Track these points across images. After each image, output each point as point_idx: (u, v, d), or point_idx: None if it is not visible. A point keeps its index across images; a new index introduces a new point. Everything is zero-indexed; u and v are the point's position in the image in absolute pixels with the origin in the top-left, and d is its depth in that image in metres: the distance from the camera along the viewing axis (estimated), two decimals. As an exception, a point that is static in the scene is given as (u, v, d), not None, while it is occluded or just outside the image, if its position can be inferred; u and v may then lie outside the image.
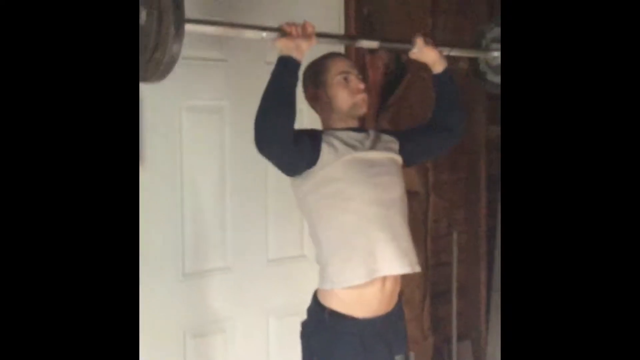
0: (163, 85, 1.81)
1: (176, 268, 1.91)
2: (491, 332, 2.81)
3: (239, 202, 2.04)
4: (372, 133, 1.70)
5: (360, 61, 2.30)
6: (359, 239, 1.56)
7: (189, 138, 1.92)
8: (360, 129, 1.68)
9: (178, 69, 1.87)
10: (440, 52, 1.75)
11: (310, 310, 1.66)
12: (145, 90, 1.63)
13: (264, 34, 1.51)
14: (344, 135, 1.63)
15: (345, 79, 1.64)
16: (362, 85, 1.65)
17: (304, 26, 1.52)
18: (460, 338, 2.74)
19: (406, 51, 1.74)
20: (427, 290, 2.59)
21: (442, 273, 2.72)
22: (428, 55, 1.74)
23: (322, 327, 1.60)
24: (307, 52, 1.55)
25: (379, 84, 2.35)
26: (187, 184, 1.92)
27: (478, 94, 2.71)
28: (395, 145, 1.72)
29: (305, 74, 1.70)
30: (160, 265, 1.86)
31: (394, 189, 1.64)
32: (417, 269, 1.64)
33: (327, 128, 1.68)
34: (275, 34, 1.50)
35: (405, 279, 2.60)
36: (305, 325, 1.65)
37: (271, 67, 2.04)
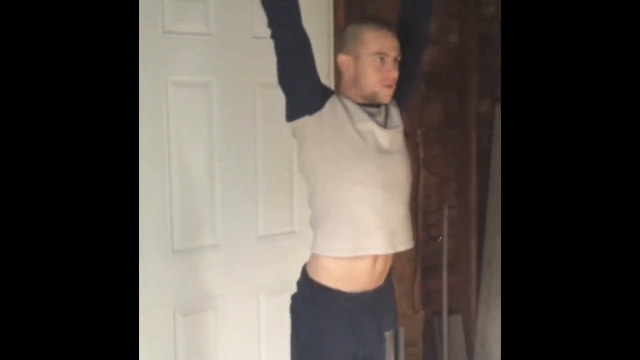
0: (148, 60, 1.79)
1: (165, 245, 1.90)
2: (481, 305, 2.83)
3: (228, 179, 2.02)
4: (383, 109, 1.63)
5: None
6: (353, 218, 1.54)
7: (175, 114, 1.89)
8: (375, 104, 1.61)
9: (163, 44, 1.85)
10: None
11: (299, 284, 1.65)
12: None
13: None
14: (358, 105, 1.58)
15: (382, 60, 1.55)
16: (394, 74, 1.56)
17: None
18: (450, 312, 2.75)
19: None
20: (417, 264, 2.59)
21: (433, 247, 2.72)
22: None
23: (310, 300, 1.60)
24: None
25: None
26: (174, 160, 1.90)
27: (468, 68, 2.68)
28: (397, 109, 1.67)
29: (343, 35, 1.63)
30: (149, 242, 1.84)
31: (399, 170, 1.61)
32: (402, 247, 1.63)
33: (344, 95, 1.60)
34: None
35: (396, 254, 2.61)
36: (294, 298, 1.66)
37: (258, 42, 2.02)
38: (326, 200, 1.56)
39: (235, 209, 2.05)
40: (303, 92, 1.54)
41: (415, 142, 2.53)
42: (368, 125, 1.55)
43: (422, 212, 2.61)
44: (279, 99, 1.56)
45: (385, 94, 1.58)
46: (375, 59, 1.55)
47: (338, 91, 1.66)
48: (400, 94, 1.68)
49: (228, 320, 2.04)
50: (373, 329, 1.62)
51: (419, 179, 2.57)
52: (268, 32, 1.52)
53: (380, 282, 1.64)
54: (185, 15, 1.90)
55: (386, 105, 1.64)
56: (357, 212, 1.54)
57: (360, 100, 1.59)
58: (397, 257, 2.61)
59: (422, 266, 2.64)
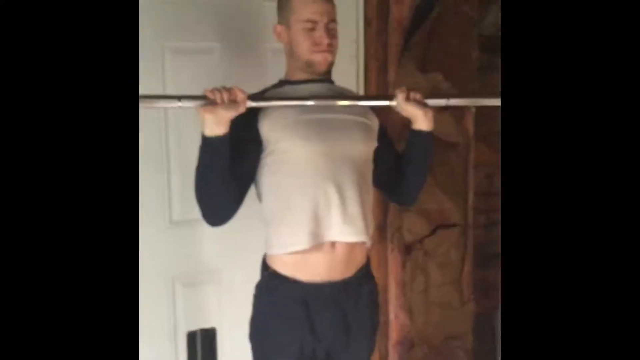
0: (142, 26, 1.75)
1: (163, 216, 1.87)
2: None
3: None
4: (336, 87, 1.54)
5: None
6: (300, 200, 1.41)
7: (174, 82, 1.84)
8: (324, 79, 1.52)
9: (161, 8, 1.80)
10: (427, 110, 1.48)
11: (261, 271, 1.56)
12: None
13: (180, 102, 1.35)
14: (297, 89, 1.48)
15: (312, 29, 1.44)
16: (326, 40, 1.44)
17: (231, 92, 1.33)
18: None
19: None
20: (466, 251, 2.34)
21: (493, 234, 2.46)
22: (408, 111, 1.48)
23: (266, 289, 1.51)
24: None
25: (404, 21, 2.11)
26: (172, 130, 1.86)
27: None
28: (372, 117, 1.55)
29: (278, 4, 1.54)
30: (146, 213, 1.82)
31: (351, 145, 1.46)
32: (364, 238, 1.46)
33: (287, 77, 1.54)
34: (197, 102, 1.34)
35: (439, 238, 2.39)
36: (257, 286, 1.56)
37: (268, 4, 1.91)
38: (270, 195, 1.47)
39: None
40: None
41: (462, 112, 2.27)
42: (298, 118, 1.44)
43: (474, 193, 2.35)
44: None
45: (318, 61, 1.46)
46: (306, 26, 1.44)
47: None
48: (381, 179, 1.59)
49: (230, 292, 1.98)
50: (337, 325, 1.47)
51: (469, 155, 2.32)
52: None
53: (350, 272, 1.48)
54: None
55: (341, 88, 1.56)
56: (304, 194, 1.41)
57: (302, 76, 1.50)
58: (440, 242, 2.39)
59: (478, 254, 2.39)
